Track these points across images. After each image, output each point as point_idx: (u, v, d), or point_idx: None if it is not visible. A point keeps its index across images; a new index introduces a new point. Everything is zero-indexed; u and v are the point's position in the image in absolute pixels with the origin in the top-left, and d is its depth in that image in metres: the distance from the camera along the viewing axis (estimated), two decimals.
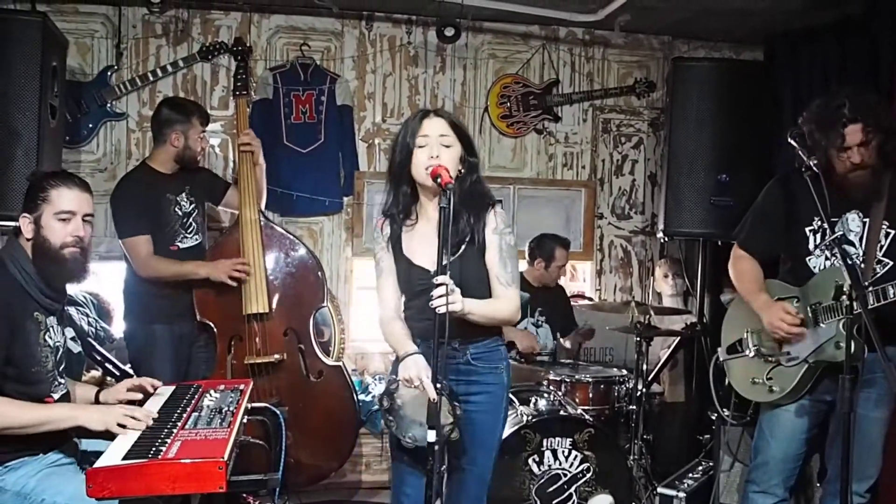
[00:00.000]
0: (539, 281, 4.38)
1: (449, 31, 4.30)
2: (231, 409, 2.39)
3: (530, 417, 3.42)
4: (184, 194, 3.62)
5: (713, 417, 3.57)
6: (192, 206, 3.66)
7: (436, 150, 2.40)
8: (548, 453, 3.40)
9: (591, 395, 3.79)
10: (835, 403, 2.53)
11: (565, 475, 3.42)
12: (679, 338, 4.42)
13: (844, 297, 2.37)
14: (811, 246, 2.77)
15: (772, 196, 2.89)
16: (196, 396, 2.55)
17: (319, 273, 3.76)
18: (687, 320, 4.44)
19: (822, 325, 2.66)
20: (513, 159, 4.82)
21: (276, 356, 3.58)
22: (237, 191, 3.74)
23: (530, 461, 3.39)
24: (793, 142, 2.61)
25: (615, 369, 4.12)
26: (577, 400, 3.75)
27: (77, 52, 4.22)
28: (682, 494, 3.50)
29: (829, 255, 2.72)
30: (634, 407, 3.82)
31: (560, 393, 3.74)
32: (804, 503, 3.37)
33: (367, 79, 4.61)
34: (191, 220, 3.65)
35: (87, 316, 4.06)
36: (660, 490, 3.58)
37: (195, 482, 1.93)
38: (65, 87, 3.86)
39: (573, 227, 4.87)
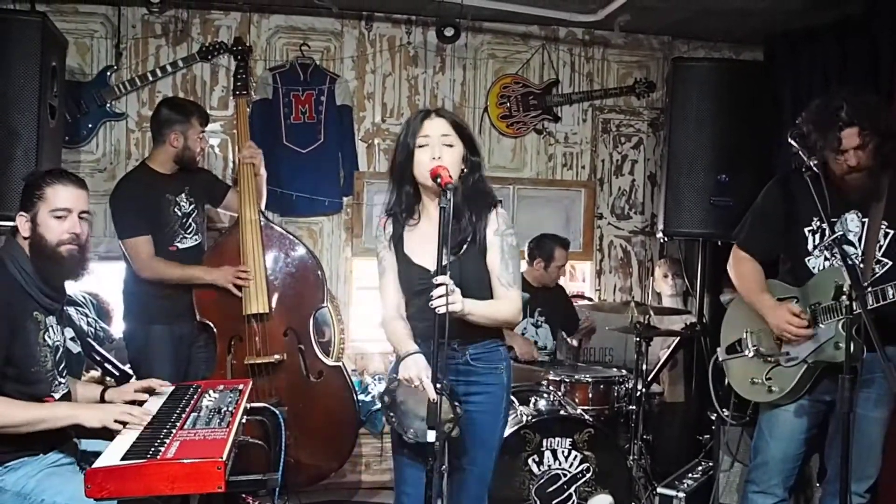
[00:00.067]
0: (539, 281, 4.38)
1: (448, 32, 4.30)
2: (230, 409, 2.39)
3: (530, 417, 3.42)
4: (183, 195, 3.62)
5: (713, 417, 3.57)
6: (192, 206, 3.66)
7: (438, 151, 2.39)
8: (547, 453, 3.40)
9: (590, 396, 3.79)
10: (834, 403, 2.53)
11: (565, 475, 3.42)
12: (679, 338, 4.42)
13: (844, 297, 2.37)
14: (810, 246, 2.77)
15: (771, 196, 2.89)
16: (195, 397, 2.55)
17: (319, 273, 3.75)
18: (686, 320, 4.43)
19: (821, 325, 2.66)
20: (512, 159, 4.82)
21: (276, 356, 3.58)
22: (237, 193, 3.73)
23: (530, 461, 3.39)
24: (793, 142, 2.60)
25: (615, 369, 4.12)
26: (576, 400, 3.75)
27: (76, 52, 4.22)
28: (681, 494, 3.50)
29: (828, 255, 2.72)
30: (634, 407, 3.82)
31: (560, 393, 3.74)
32: (804, 503, 3.37)
33: (366, 79, 4.60)
34: (190, 220, 3.65)
35: (87, 316, 4.06)
36: (659, 490, 3.58)
37: (194, 482, 1.92)
38: (64, 87, 3.85)
39: (573, 228, 4.87)
